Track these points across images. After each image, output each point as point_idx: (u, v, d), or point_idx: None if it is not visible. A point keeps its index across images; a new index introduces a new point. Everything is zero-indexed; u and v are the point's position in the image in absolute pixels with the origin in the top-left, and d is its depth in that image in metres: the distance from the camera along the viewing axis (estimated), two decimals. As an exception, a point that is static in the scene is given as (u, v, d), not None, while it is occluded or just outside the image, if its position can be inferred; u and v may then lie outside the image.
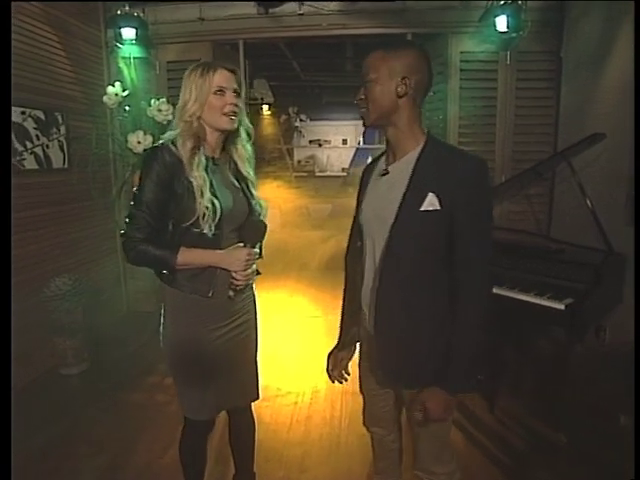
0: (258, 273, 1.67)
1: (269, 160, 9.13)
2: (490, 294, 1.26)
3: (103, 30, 3.86)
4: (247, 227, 1.54)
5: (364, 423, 1.62)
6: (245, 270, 1.51)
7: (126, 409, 2.70)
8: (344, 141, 9.44)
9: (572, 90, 3.45)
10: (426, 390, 1.23)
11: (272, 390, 2.86)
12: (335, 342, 1.56)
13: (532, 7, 3.42)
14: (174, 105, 1.63)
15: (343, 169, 9.24)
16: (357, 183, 1.47)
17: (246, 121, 1.59)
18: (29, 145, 3.01)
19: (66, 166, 3.38)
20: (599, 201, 2.53)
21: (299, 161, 9.56)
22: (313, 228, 6.80)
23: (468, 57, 3.65)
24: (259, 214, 1.58)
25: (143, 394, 2.85)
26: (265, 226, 1.58)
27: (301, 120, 9.39)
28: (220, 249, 1.48)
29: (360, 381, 1.55)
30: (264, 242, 1.65)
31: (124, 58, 3.87)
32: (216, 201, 1.43)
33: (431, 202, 1.18)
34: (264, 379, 1.81)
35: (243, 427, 1.81)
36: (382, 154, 1.38)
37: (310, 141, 9.52)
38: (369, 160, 1.53)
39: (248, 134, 1.60)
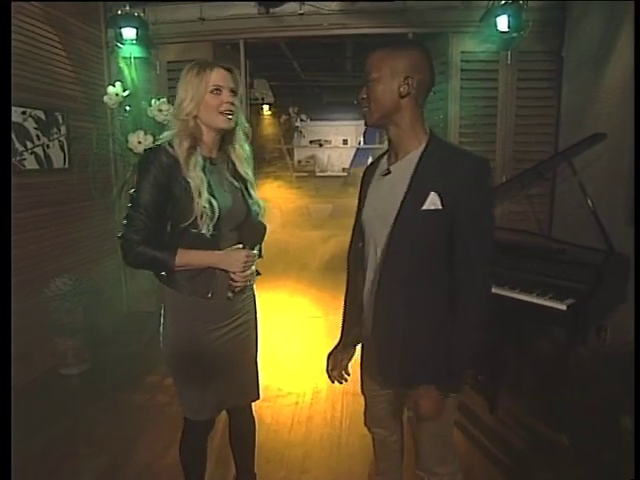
0: (258, 273, 1.67)
1: (269, 160, 9.13)
2: (490, 294, 1.25)
3: (104, 30, 3.86)
4: (246, 228, 1.54)
5: (365, 424, 1.61)
6: (244, 271, 1.50)
7: (126, 409, 2.70)
8: (344, 141, 9.44)
9: (573, 90, 3.45)
10: (420, 388, 1.23)
11: (273, 390, 2.85)
12: (336, 342, 1.56)
13: (533, 7, 3.42)
14: (175, 105, 1.63)
15: (344, 169, 9.24)
16: (358, 183, 1.47)
17: (243, 121, 1.58)
18: (29, 145, 3.01)
19: (66, 166, 3.38)
20: (600, 201, 2.53)
21: (299, 161, 9.56)
22: (314, 228, 6.80)
23: (469, 57, 3.65)
24: (257, 214, 1.58)
25: (143, 394, 2.85)
26: (265, 227, 1.57)
27: (301, 120, 9.39)
28: (219, 249, 1.47)
29: (361, 382, 1.54)
30: (264, 242, 1.65)
31: (125, 58, 3.87)
32: (214, 201, 1.42)
33: (433, 201, 1.17)
34: (265, 379, 1.81)
35: (244, 428, 1.81)
36: (384, 154, 1.37)
37: (310, 141, 9.52)
38: (369, 160, 1.52)
39: (245, 134, 1.59)
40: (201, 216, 1.40)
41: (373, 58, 1.22)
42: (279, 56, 6.29)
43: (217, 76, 1.44)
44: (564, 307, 2.17)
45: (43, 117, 3.12)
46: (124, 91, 3.36)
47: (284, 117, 9.39)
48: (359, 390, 1.58)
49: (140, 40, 3.65)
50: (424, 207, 1.18)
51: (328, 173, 9.24)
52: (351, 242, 1.48)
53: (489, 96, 3.68)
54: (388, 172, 1.29)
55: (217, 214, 1.42)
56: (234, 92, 1.48)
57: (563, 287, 2.27)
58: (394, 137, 1.27)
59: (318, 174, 9.16)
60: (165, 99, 3.27)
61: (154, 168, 1.39)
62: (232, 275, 1.49)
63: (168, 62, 3.85)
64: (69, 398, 2.84)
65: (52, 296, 3.00)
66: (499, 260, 2.48)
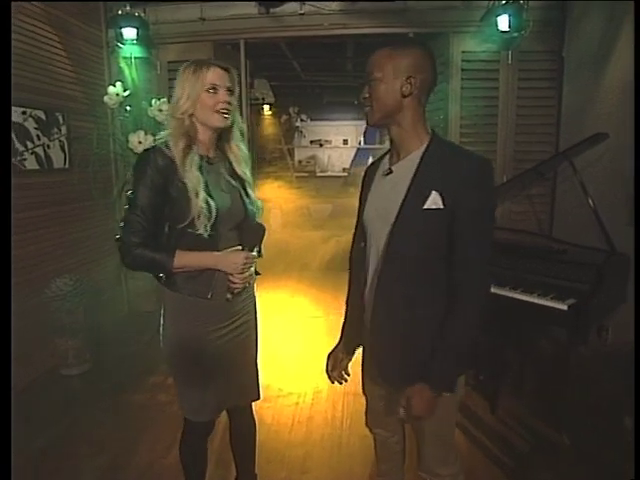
0: (258, 274, 1.67)
1: (270, 160, 9.12)
2: (488, 294, 1.25)
3: (104, 30, 3.86)
4: (245, 229, 1.53)
5: (367, 425, 1.61)
6: (243, 273, 1.50)
7: (127, 409, 2.70)
8: (345, 141, 9.42)
9: (574, 90, 3.44)
10: (414, 386, 1.22)
11: (273, 391, 2.85)
12: (336, 342, 1.56)
13: (534, 7, 3.42)
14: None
15: (344, 169, 9.22)
16: (358, 183, 1.46)
17: (239, 120, 1.57)
18: (30, 145, 3.01)
19: (67, 166, 3.38)
20: (601, 201, 2.53)
21: (300, 161, 9.54)
22: (314, 228, 6.80)
23: (469, 57, 3.65)
24: (254, 214, 1.57)
25: (144, 394, 2.85)
26: (263, 229, 1.57)
27: (302, 120, 9.37)
28: (217, 250, 1.47)
29: (363, 382, 1.54)
30: (265, 242, 1.64)
31: (125, 58, 3.87)
32: (211, 201, 1.41)
33: (434, 200, 1.17)
34: (265, 379, 1.81)
35: (244, 428, 1.81)
36: (385, 154, 1.37)
37: (311, 141, 9.50)
38: (370, 160, 1.52)
39: (242, 133, 1.59)
40: (198, 216, 1.39)
41: (376, 57, 1.22)
42: (279, 56, 6.28)
43: (213, 75, 1.44)
44: (565, 307, 2.16)
45: (43, 117, 3.12)
46: (124, 91, 3.36)
47: (284, 117, 9.38)
48: (360, 390, 1.57)
49: (140, 40, 3.65)
50: (425, 206, 1.18)
51: (328, 173, 9.22)
52: (353, 242, 1.47)
53: (490, 96, 3.67)
54: (390, 172, 1.29)
55: (214, 214, 1.41)
56: (230, 91, 1.47)
57: (564, 287, 2.27)
58: (396, 137, 1.27)
59: (318, 174, 9.14)
60: (166, 99, 3.27)
61: (150, 170, 1.39)
62: (230, 277, 1.49)
63: (169, 62, 3.85)
64: (70, 398, 2.84)
65: (53, 296, 3.00)
66: (500, 260, 2.48)
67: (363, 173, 1.45)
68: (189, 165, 1.41)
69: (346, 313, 1.53)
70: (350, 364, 1.54)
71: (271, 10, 3.75)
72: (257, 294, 1.69)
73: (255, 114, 8.36)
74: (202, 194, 1.40)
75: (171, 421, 2.42)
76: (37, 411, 2.66)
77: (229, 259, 1.47)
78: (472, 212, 1.17)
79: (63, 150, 3.34)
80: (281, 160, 9.25)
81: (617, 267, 2.37)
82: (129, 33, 3.59)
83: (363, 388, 1.55)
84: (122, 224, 1.41)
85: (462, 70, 3.65)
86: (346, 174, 9.00)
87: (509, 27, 3.36)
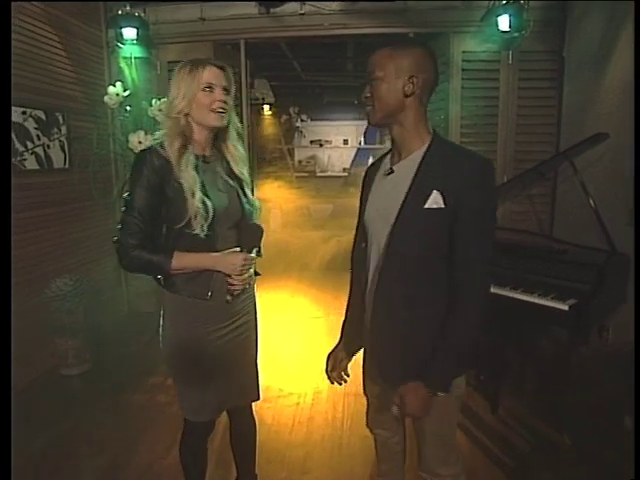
0: (258, 274, 1.66)
1: (270, 160, 9.12)
2: (489, 294, 1.24)
3: (104, 30, 3.86)
4: (244, 231, 1.53)
5: (367, 425, 1.61)
6: (241, 275, 1.50)
7: (127, 410, 2.69)
8: (345, 141, 9.42)
9: (574, 90, 3.44)
10: (409, 384, 1.21)
11: (274, 391, 2.85)
12: (336, 342, 1.55)
13: (534, 6, 3.41)
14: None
15: (344, 169, 9.21)
16: (358, 183, 1.46)
17: (236, 120, 1.57)
18: (30, 145, 3.01)
19: (67, 166, 3.38)
20: (602, 201, 2.52)
21: (300, 161, 9.54)
22: (314, 228, 6.80)
23: (470, 57, 3.64)
24: (252, 213, 1.57)
25: (144, 394, 2.85)
26: (262, 230, 1.56)
27: (302, 120, 9.37)
28: (215, 250, 1.46)
29: (363, 383, 1.54)
30: (265, 242, 1.64)
31: (125, 58, 3.86)
32: (208, 201, 1.41)
33: (435, 200, 1.17)
34: (265, 380, 1.80)
35: (244, 428, 1.80)
36: (386, 154, 1.37)
37: (311, 141, 9.49)
38: (370, 160, 1.52)
39: (238, 133, 1.58)
40: (195, 216, 1.39)
41: (378, 57, 1.21)
42: (280, 56, 6.28)
43: (209, 74, 1.43)
44: (566, 307, 2.16)
45: (43, 117, 3.12)
46: (124, 91, 3.36)
47: (285, 117, 9.38)
48: (361, 391, 1.57)
49: (140, 40, 3.65)
50: (426, 205, 1.17)
51: (329, 173, 9.22)
52: (354, 242, 1.47)
53: (490, 96, 3.67)
54: (391, 171, 1.29)
55: (211, 214, 1.41)
56: (227, 90, 1.47)
57: (565, 287, 2.26)
58: (397, 136, 1.26)
59: (319, 174, 9.14)
60: (166, 99, 3.26)
61: (146, 170, 1.39)
62: (229, 279, 1.49)
63: (169, 62, 3.84)
64: (70, 398, 2.83)
65: (53, 296, 3.00)
66: (500, 260, 2.47)
67: (364, 173, 1.45)
68: (185, 165, 1.40)
69: (346, 313, 1.53)
70: (350, 365, 1.54)
71: (271, 10, 3.74)
72: (257, 294, 1.69)
73: (255, 114, 8.35)
74: (198, 194, 1.39)
75: (171, 421, 2.42)
76: (37, 411, 2.66)
77: (227, 260, 1.47)
78: (473, 212, 1.17)
79: (63, 150, 3.34)
80: (281, 160, 9.25)
81: (618, 267, 2.37)
82: (129, 33, 3.58)
83: (364, 388, 1.55)
84: (119, 226, 1.41)
85: (462, 70, 3.65)
86: (346, 174, 9.00)
87: (509, 27, 3.35)
